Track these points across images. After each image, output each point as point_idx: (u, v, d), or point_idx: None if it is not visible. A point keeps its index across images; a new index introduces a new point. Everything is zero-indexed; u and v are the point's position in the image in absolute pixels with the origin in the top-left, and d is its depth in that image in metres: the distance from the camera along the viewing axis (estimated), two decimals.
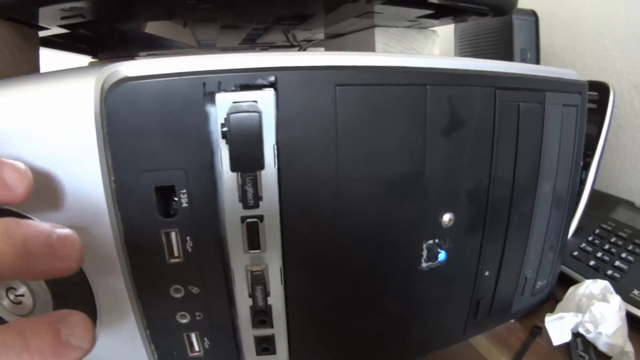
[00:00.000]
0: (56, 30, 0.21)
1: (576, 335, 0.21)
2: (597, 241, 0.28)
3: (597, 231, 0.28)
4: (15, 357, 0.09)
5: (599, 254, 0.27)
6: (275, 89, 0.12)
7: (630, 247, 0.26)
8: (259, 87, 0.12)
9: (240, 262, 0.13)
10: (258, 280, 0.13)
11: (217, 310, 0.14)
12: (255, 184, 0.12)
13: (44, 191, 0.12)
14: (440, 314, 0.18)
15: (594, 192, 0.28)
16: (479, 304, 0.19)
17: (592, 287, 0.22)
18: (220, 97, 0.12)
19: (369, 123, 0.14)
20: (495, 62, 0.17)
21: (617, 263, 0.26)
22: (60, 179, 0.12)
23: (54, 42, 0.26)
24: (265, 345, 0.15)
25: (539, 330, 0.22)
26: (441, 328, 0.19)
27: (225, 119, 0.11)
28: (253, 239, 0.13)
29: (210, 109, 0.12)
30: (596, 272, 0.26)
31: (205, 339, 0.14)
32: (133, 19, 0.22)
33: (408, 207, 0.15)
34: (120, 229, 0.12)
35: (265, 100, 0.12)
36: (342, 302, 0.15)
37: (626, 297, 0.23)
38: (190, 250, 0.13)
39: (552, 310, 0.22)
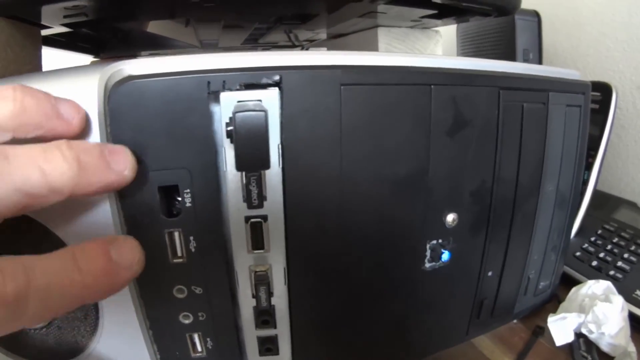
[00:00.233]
0: (59, 29, 0.21)
1: (579, 335, 0.21)
2: (599, 242, 0.28)
3: (599, 232, 0.28)
4: (67, 279, 0.09)
5: (602, 255, 0.27)
6: (280, 88, 0.12)
7: (632, 248, 0.26)
8: (264, 86, 0.12)
9: (243, 262, 0.13)
10: (261, 281, 0.13)
11: (220, 311, 0.14)
12: (260, 183, 0.12)
13: None
14: (443, 314, 0.18)
15: (596, 193, 0.28)
16: (481, 305, 0.19)
17: (595, 287, 0.22)
18: (224, 96, 0.12)
19: (374, 123, 0.14)
20: (499, 62, 0.17)
21: (619, 263, 0.26)
22: None
23: (56, 41, 0.26)
24: (268, 345, 0.15)
25: (542, 331, 0.22)
26: (444, 328, 0.19)
27: (231, 118, 0.11)
28: (257, 239, 0.13)
29: (215, 108, 0.12)
30: (599, 273, 0.25)
31: (208, 339, 0.14)
32: (135, 18, 0.22)
33: (412, 207, 0.15)
34: (124, 229, 0.12)
35: (270, 100, 0.12)
36: (345, 303, 0.15)
37: (629, 298, 0.23)
38: (193, 250, 0.13)
39: (554, 310, 0.22)
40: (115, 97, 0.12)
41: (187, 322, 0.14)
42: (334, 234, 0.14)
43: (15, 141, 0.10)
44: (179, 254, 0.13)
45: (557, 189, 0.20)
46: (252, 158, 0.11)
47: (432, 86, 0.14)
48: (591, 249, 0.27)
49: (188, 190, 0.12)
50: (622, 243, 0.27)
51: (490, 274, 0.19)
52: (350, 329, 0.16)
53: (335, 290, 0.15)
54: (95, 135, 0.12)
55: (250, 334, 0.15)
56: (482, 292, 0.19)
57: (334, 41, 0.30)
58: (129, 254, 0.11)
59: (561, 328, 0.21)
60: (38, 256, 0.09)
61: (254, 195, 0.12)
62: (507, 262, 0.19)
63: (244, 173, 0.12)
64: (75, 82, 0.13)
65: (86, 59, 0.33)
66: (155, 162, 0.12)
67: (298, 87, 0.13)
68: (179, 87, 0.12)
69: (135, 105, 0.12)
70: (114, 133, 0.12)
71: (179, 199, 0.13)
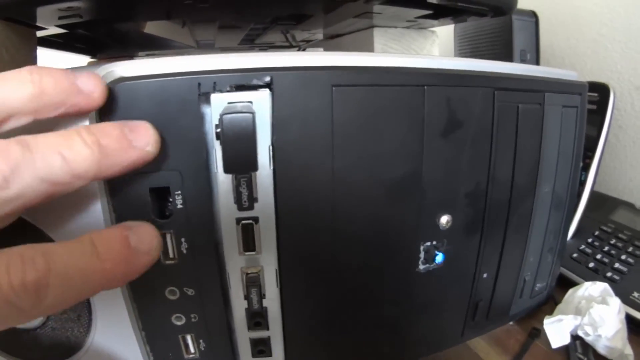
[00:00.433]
0: (54, 30, 0.21)
1: (575, 337, 0.21)
2: (596, 243, 0.27)
3: (596, 233, 0.28)
4: (87, 266, 0.09)
5: (599, 256, 0.27)
6: (271, 90, 0.12)
7: (630, 249, 0.26)
8: (255, 87, 0.12)
9: (235, 264, 0.13)
10: (253, 283, 0.13)
11: (213, 312, 0.14)
12: (250, 185, 0.12)
13: None
14: (438, 316, 0.18)
15: (593, 194, 0.28)
16: (477, 306, 0.19)
17: (592, 289, 0.22)
18: (215, 97, 0.12)
19: (366, 124, 0.14)
20: (495, 63, 0.17)
21: (616, 265, 0.26)
22: None
23: (52, 42, 0.26)
24: (260, 347, 0.15)
25: (538, 333, 0.22)
26: (439, 330, 0.18)
27: (219, 117, 0.11)
28: (248, 241, 0.13)
29: (206, 109, 0.12)
30: (595, 274, 0.25)
31: (201, 340, 0.14)
32: (131, 19, 0.22)
33: (405, 208, 0.15)
34: None
35: (260, 101, 0.12)
36: (338, 305, 0.15)
37: (626, 300, 0.23)
38: (185, 251, 0.13)
39: (551, 312, 0.22)
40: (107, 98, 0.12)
41: (179, 323, 0.14)
42: (326, 235, 0.14)
43: (37, 122, 0.10)
44: (171, 255, 0.13)
45: (553, 190, 0.20)
46: (239, 160, 0.11)
47: (426, 87, 0.14)
48: (588, 250, 0.27)
49: (179, 192, 0.12)
50: (620, 244, 0.27)
51: (485, 275, 0.19)
52: (343, 331, 0.16)
53: (328, 292, 0.15)
54: None
55: (243, 335, 0.14)
56: (478, 294, 0.19)
57: (331, 41, 0.30)
58: (147, 239, 0.11)
59: (557, 330, 0.21)
60: (57, 243, 0.10)
61: (244, 197, 0.12)
62: (503, 263, 0.19)
63: (234, 175, 0.12)
64: None
65: (83, 59, 0.33)
66: (146, 163, 0.12)
67: (289, 88, 0.13)
68: (170, 89, 0.12)
69: (126, 107, 0.12)
70: None
71: (171, 200, 0.13)
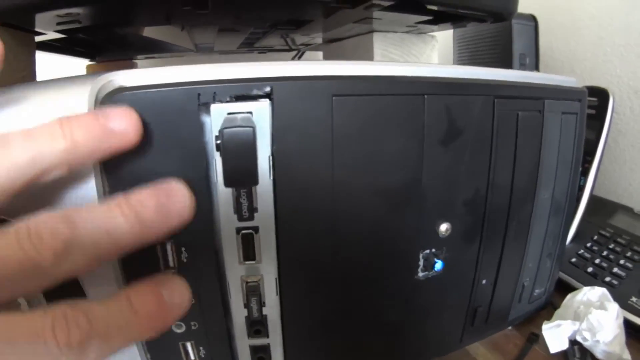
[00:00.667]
0: (53, 35, 0.21)
1: (573, 342, 0.21)
2: (595, 247, 0.28)
3: (595, 237, 0.28)
4: (125, 322, 0.10)
5: (597, 261, 0.27)
6: (271, 100, 0.12)
7: (628, 254, 0.26)
8: (255, 97, 0.12)
9: (235, 273, 0.13)
10: (253, 291, 0.13)
11: (213, 320, 0.14)
12: (250, 196, 0.12)
13: (38, 201, 0.12)
14: (437, 322, 0.18)
15: (592, 198, 0.28)
16: (476, 312, 0.19)
17: (590, 294, 0.22)
18: (215, 107, 0.12)
19: (366, 133, 0.14)
20: (494, 70, 0.17)
21: (615, 270, 0.26)
22: (54, 189, 0.12)
23: (51, 46, 0.26)
24: (260, 354, 0.15)
25: (537, 338, 0.22)
26: (438, 336, 0.19)
27: (220, 131, 0.11)
28: (248, 250, 0.13)
29: (206, 119, 0.12)
30: (594, 279, 0.25)
31: (201, 348, 0.14)
32: (129, 24, 0.22)
33: (405, 216, 0.15)
34: None
35: (260, 111, 0.12)
36: (338, 312, 0.15)
37: (624, 304, 0.23)
38: (185, 260, 0.13)
39: (549, 317, 0.22)
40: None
41: (179, 331, 0.14)
42: (326, 244, 0.14)
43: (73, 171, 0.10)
44: (171, 264, 0.13)
45: (552, 196, 0.20)
46: (240, 175, 0.11)
47: (426, 96, 0.14)
48: (587, 255, 0.27)
49: None
50: (618, 249, 0.27)
51: (484, 282, 0.19)
52: (343, 339, 0.16)
53: (328, 300, 0.15)
54: None
55: (243, 343, 0.15)
56: (476, 300, 0.19)
57: (330, 45, 0.30)
58: (179, 293, 0.11)
59: (556, 335, 0.21)
60: (96, 301, 0.10)
61: (245, 208, 0.12)
62: (502, 270, 0.19)
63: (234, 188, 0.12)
64: (66, 94, 0.13)
65: (82, 63, 0.33)
66: (146, 173, 0.12)
67: (289, 98, 0.13)
68: (170, 99, 0.12)
69: None
70: None
71: None
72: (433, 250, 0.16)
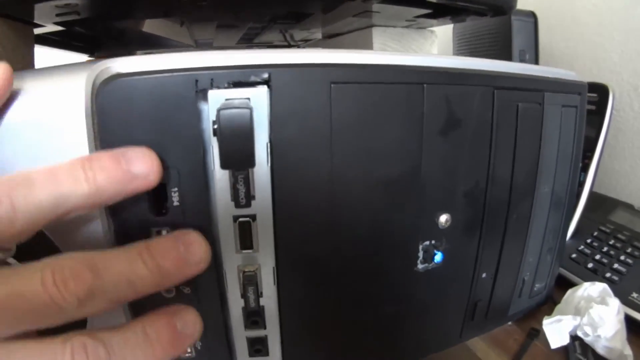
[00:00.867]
0: (52, 28, 0.21)
1: (574, 338, 0.21)
2: (595, 243, 0.27)
3: (595, 233, 0.28)
4: (141, 352, 0.11)
5: (598, 257, 0.26)
6: (269, 86, 0.12)
7: (629, 250, 0.26)
8: (252, 84, 0.12)
9: (232, 262, 0.13)
10: (250, 281, 0.13)
11: (209, 311, 0.14)
12: (247, 182, 0.12)
13: None
14: (437, 316, 0.18)
15: (592, 195, 0.28)
16: (476, 306, 0.19)
17: (591, 289, 0.22)
18: (212, 94, 0.12)
19: (365, 122, 0.14)
20: (494, 62, 0.17)
21: (615, 265, 0.25)
22: None
23: (50, 40, 0.26)
24: (258, 346, 0.15)
25: (537, 333, 0.22)
26: (437, 330, 0.18)
27: (217, 112, 0.11)
28: (245, 239, 0.13)
29: (203, 106, 0.12)
30: (594, 275, 0.25)
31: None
32: (128, 16, 0.22)
33: (404, 207, 0.15)
34: (111, 227, 0.12)
35: (258, 98, 0.12)
36: (336, 304, 0.15)
37: (625, 300, 0.22)
38: None
39: (550, 312, 0.22)
40: (103, 95, 0.12)
41: None
42: (324, 233, 0.14)
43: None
44: None
45: (552, 190, 0.20)
46: (236, 156, 0.11)
47: (425, 85, 0.14)
48: (587, 250, 0.27)
49: (176, 189, 0.12)
50: (619, 245, 0.27)
51: (484, 275, 0.18)
52: (341, 331, 0.16)
53: (326, 291, 0.15)
54: (82, 135, 0.12)
55: (240, 334, 0.14)
56: (476, 294, 0.19)
57: (330, 41, 0.30)
58: (191, 323, 0.12)
59: (557, 330, 0.21)
60: (113, 332, 0.10)
61: (242, 194, 0.12)
62: (502, 263, 0.19)
63: (231, 172, 0.12)
64: (63, 80, 0.12)
65: (81, 58, 0.33)
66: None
67: (287, 85, 0.12)
68: (167, 85, 0.12)
69: (123, 104, 0.12)
70: (102, 131, 0.12)
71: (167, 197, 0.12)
72: (433, 241, 0.16)
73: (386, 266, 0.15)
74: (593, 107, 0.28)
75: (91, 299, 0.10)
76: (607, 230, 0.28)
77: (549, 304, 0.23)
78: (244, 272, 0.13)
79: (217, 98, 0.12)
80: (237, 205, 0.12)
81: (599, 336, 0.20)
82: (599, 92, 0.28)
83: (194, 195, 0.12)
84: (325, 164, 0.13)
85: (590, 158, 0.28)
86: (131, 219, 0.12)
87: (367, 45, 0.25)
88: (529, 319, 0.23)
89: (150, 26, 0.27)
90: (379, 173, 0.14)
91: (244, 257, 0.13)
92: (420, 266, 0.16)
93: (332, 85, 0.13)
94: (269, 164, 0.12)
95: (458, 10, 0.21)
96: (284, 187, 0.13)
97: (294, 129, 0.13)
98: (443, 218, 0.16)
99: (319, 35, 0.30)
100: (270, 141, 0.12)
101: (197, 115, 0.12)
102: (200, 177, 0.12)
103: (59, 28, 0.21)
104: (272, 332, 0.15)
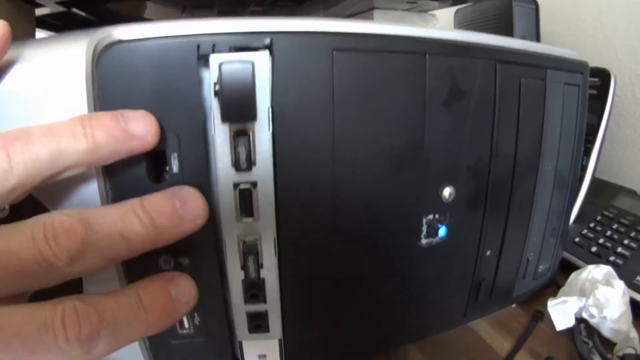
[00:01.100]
0: (53, 8, 0.21)
1: (580, 320, 0.21)
2: (598, 228, 0.27)
3: (598, 218, 0.28)
4: (134, 317, 0.10)
5: (601, 241, 0.26)
6: (271, 52, 0.12)
7: (632, 234, 0.26)
8: (254, 49, 0.12)
9: (232, 231, 0.13)
10: (250, 250, 0.13)
11: (208, 284, 0.14)
12: (249, 144, 0.12)
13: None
14: (441, 294, 0.18)
15: (595, 180, 0.28)
16: (480, 286, 0.19)
17: (595, 272, 0.22)
18: (214, 58, 0.12)
19: (367, 90, 0.13)
20: (496, 37, 0.17)
21: (619, 249, 0.25)
22: None
23: (51, 25, 0.26)
24: (258, 322, 0.14)
25: (542, 315, 0.22)
26: (441, 309, 0.18)
27: (218, 65, 0.11)
28: (246, 206, 0.13)
29: (205, 74, 0.12)
30: (598, 259, 0.25)
31: (195, 314, 0.14)
32: None
33: (407, 178, 0.15)
34: (109, 194, 0.12)
35: (260, 62, 0.12)
36: (338, 278, 0.15)
37: (629, 284, 0.22)
38: None
39: (554, 296, 0.22)
40: (104, 61, 0.11)
41: None
42: (326, 204, 0.14)
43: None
44: None
45: (555, 168, 0.20)
46: (237, 107, 0.11)
47: (428, 55, 0.14)
48: (590, 235, 0.27)
49: (175, 155, 0.12)
50: (622, 229, 0.26)
51: (488, 253, 0.18)
52: (343, 307, 0.16)
53: (328, 265, 0.15)
54: (82, 100, 0.12)
55: (239, 309, 0.14)
56: (481, 272, 0.18)
57: None
58: (186, 291, 0.12)
59: (562, 312, 0.21)
60: (106, 296, 0.10)
61: (242, 157, 0.12)
62: (506, 241, 0.19)
63: (232, 136, 0.12)
64: (64, 47, 0.12)
65: None
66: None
67: (289, 51, 0.12)
68: (168, 51, 0.12)
69: (123, 69, 0.12)
70: (102, 97, 0.12)
71: (167, 164, 0.12)
72: (436, 215, 0.16)
73: (389, 240, 0.15)
74: (595, 92, 0.28)
75: (83, 255, 0.09)
76: (611, 215, 0.28)
77: (552, 288, 0.23)
78: (244, 241, 0.13)
79: (218, 62, 0.12)
80: (238, 169, 0.12)
81: (604, 317, 0.20)
82: (601, 77, 0.28)
83: (193, 162, 0.12)
84: (327, 131, 0.13)
85: (593, 142, 0.27)
86: (130, 186, 0.12)
87: None
88: (533, 302, 0.23)
89: (151, 13, 0.27)
90: (382, 143, 0.14)
91: (245, 227, 0.13)
92: (424, 241, 0.16)
93: (335, 52, 0.13)
94: (271, 130, 0.12)
95: None
96: (285, 153, 0.13)
97: (295, 95, 0.13)
98: (447, 191, 0.16)
99: None
100: (272, 106, 0.12)
101: (199, 82, 0.12)
102: (201, 143, 0.12)
103: (60, 8, 0.21)
104: (273, 307, 0.14)
